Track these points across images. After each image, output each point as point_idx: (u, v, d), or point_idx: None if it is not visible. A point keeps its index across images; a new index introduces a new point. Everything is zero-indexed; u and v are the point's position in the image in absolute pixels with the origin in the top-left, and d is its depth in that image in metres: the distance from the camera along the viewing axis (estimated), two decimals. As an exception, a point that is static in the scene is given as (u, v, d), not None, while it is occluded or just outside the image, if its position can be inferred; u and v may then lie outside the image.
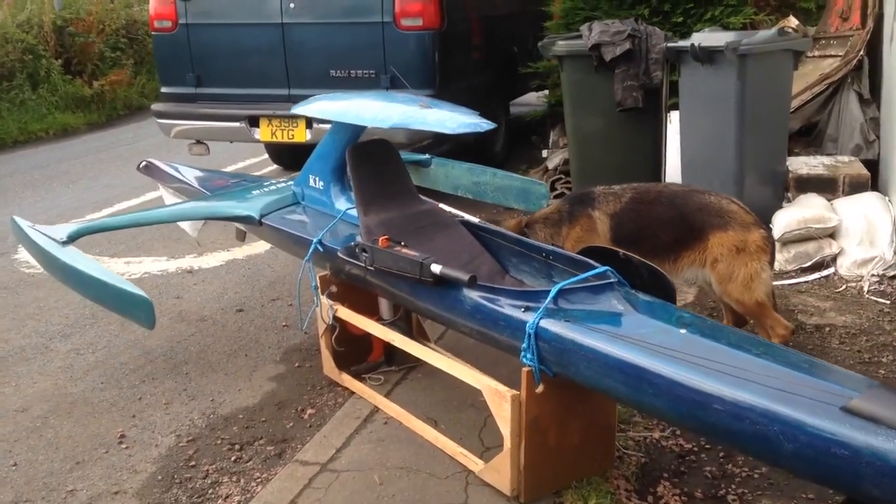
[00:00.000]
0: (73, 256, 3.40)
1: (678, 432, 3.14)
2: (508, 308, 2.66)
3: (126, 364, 3.92)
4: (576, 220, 3.47)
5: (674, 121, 5.31)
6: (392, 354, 3.67)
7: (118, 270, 5.15)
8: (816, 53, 5.70)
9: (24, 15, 11.85)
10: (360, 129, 3.46)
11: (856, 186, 4.78)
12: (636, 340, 2.36)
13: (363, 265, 3.06)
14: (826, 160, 5.02)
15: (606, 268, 2.65)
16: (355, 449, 3.04)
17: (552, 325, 2.50)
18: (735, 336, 2.40)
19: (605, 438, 2.87)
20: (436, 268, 2.78)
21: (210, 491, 2.94)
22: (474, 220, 3.47)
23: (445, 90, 6.02)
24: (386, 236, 3.00)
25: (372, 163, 3.32)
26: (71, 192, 7.28)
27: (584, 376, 2.44)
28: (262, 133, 6.00)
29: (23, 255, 5.62)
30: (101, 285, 3.23)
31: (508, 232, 3.31)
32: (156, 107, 6.49)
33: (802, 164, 4.92)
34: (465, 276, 2.71)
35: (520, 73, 7.58)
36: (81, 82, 12.21)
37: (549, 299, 2.56)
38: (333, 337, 3.50)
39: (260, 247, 5.56)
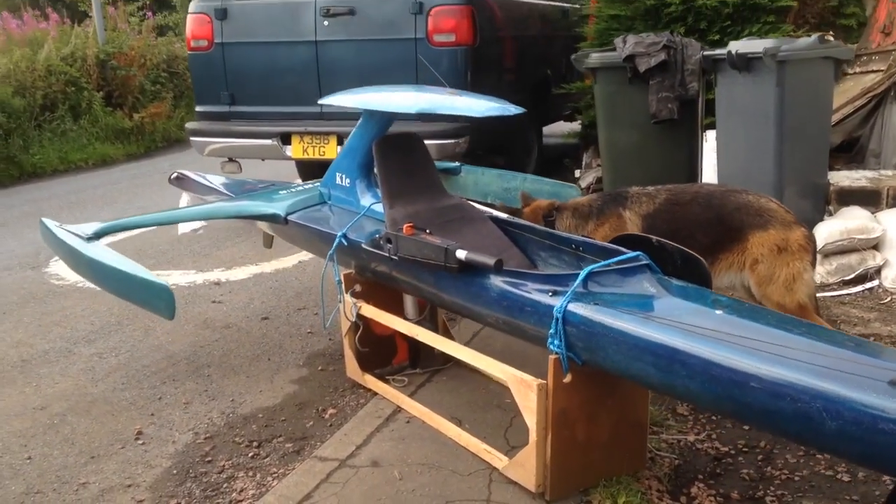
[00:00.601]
0: (97, 251, 3.39)
1: (714, 436, 3.00)
2: (535, 293, 2.57)
3: (148, 367, 3.88)
4: (605, 218, 3.38)
5: (710, 139, 5.22)
6: (417, 357, 3.59)
7: (146, 282, 5.12)
8: (858, 70, 5.59)
9: (69, 48, 12.15)
10: (387, 123, 3.42)
11: (901, 199, 4.63)
12: (668, 321, 2.25)
13: (387, 255, 2.98)
14: (869, 174, 4.88)
15: (638, 253, 2.55)
16: (376, 446, 2.94)
17: (580, 309, 2.41)
18: (776, 317, 2.28)
19: (636, 436, 2.74)
20: (461, 253, 2.71)
21: (225, 485, 2.86)
22: (503, 216, 3.39)
23: (477, 108, 5.99)
24: (411, 223, 2.93)
25: (399, 155, 3.27)
26: (106, 212, 7.35)
27: (614, 361, 2.33)
28: (294, 150, 6.02)
29: (53, 267, 5.66)
30: (123, 276, 3.20)
31: (538, 226, 3.23)
32: (190, 125, 6.55)
33: (844, 178, 4.78)
34: (490, 261, 2.63)
35: (553, 97, 7.56)
36: (122, 114, 12.46)
37: (577, 282, 2.47)
38: (357, 337, 3.43)
39: (288, 261, 5.54)
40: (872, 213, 4.53)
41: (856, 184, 4.70)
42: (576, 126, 7.83)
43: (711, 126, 4.92)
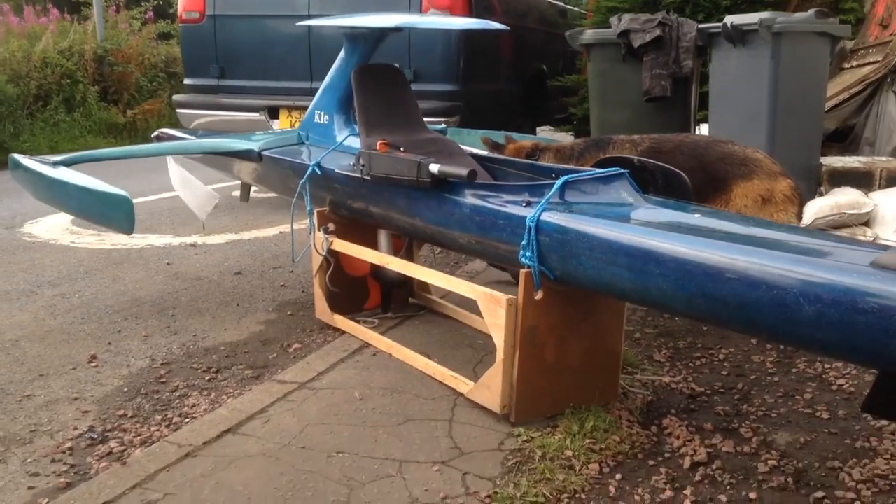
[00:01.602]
0: (60, 173, 3.31)
1: (690, 379, 2.91)
2: (509, 205, 2.51)
3: (111, 307, 3.79)
4: (586, 161, 3.32)
5: (703, 130, 5.18)
6: (389, 302, 3.51)
7: (121, 243, 5.06)
8: (855, 63, 5.57)
9: (67, 42, 12.17)
10: (367, 53, 3.37)
11: (894, 181, 4.57)
12: (644, 224, 2.18)
13: (360, 176, 2.91)
14: (862, 158, 4.82)
15: (618, 168, 2.48)
16: (339, 373, 2.86)
17: (554, 217, 2.33)
18: (758, 220, 2.20)
19: (608, 366, 2.65)
20: (434, 167, 2.65)
21: (177, 401, 2.77)
22: (483, 153, 3.32)
23: (469, 89, 5.97)
24: (384, 140, 2.86)
25: (378, 85, 3.22)
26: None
27: (587, 269, 2.25)
28: (282, 124, 5.98)
29: (28, 228, 5.57)
30: (83, 192, 3.12)
31: (518, 160, 3.17)
32: (177, 98, 6.52)
33: (836, 160, 4.73)
34: (464, 171, 2.56)
35: (547, 96, 7.54)
36: (116, 110, 12.47)
37: (553, 191, 2.40)
38: (328, 275, 3.34)
39: (268, 231, 5.47)
40: (865, 193, 4.47)
41: (848, 165, 4.64)
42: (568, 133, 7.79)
43: (704, 105, 4.87)
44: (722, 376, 2.94)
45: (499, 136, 4.26)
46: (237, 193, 4.83)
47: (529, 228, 2.35)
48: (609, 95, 5.13)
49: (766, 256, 1.88)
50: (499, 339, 2.48)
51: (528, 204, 2.43)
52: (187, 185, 3.91)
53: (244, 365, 3.09)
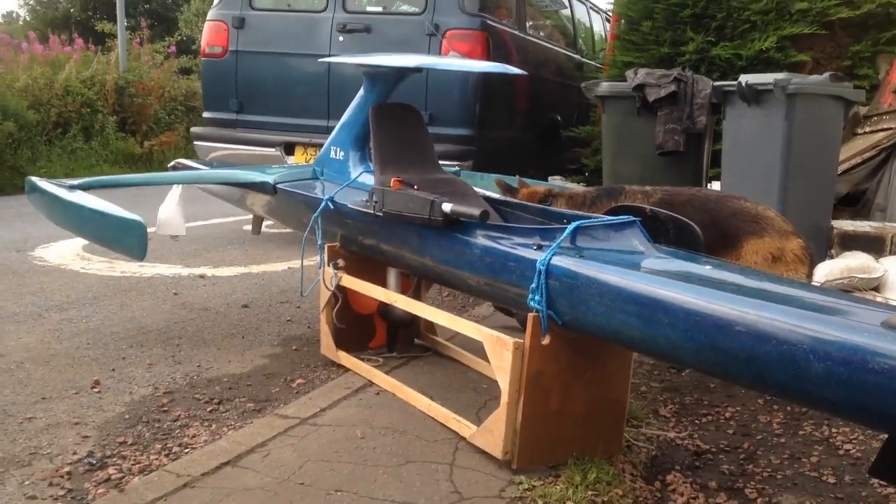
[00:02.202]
0: (76, 196, 3.34)
1: (696, 435, 2.87)
2: (520, 248, 2.50)
3: (117, 333, 3.79)
4: (597, 209, 3.32)
5: (714, 187, 5.20)
6: (395, 342, 3.50)
7: (130, 271, 5.08)
8: (868, 129, 5.60)
9: (89, 72, 12.35)
10: (386, 92, 3.40)
11: (905, 246, 4.56)
12: (654, 273, 2.17)
13: (373, 212, 2.92)
14: (874, 223, 4.82)
15: (630, 217, 2.48)
16: (341, 410, 2.84)
17: (565, 262, 2.33)
18: (769, 275, 2.19)
19: (613, 417, 2.62)
20: (447, 206, 2.65)
21: (177, 431, 2.74)
22: (496, 196, 3.34)
23: (483, 135, 6.03)
24: (399, 178, 2.88)
25: (395, 124, 3.25)
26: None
27: (596, 315, 2.23)
28: (297, 160, 6.02)
29: (39, 252, 5.60)
30: (97, 216, 3.14)
31: (531, 204, 3.17)
32: (195, 130, 6.59)
33: (848, 224, 4.72)
34: (476, 211, 2.57)
35: (560, 146, 7.59)
36: (134, 141, 12.60)
37: (564, 235, 2.39)
38: (335, 311, 3.33)
39: (277, 265, 5.48)
40: (875, 258, 4.46)
41: (859, 229, 4.64)
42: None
43: (716, 162, 4.89)
44: (728, 435, 2.90)
45: (512, 180, 4.29)
46: (248, 227, 4.84)
47: (539, 272, 2.34)
48: (622, 148, 5.16)
49: (777, 311, 1.86)
50: (503, 382, 2.46)
51: (539, 247, 2.42)
52: (173, 206, 3.85)
53: (246, 398, 3.07)
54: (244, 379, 3.28)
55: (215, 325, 4.01)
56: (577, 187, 3.67)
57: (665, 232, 2.58)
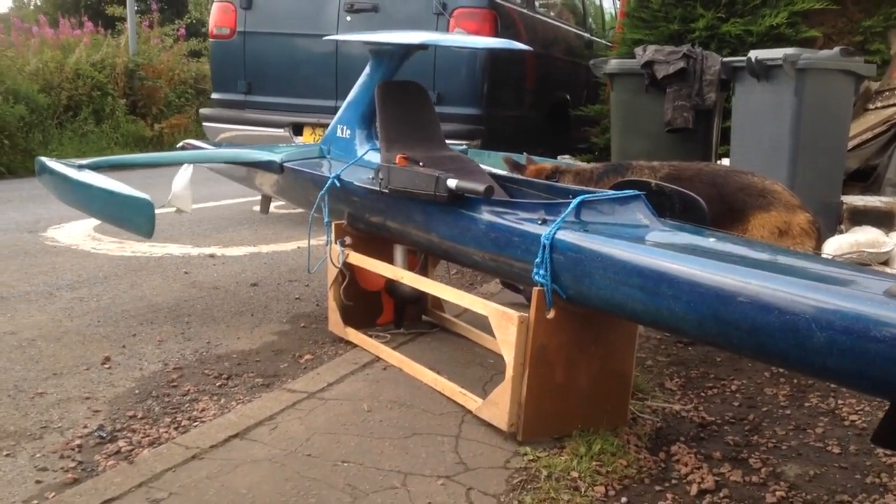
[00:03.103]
0: (85, 176, 3.37)
1: (701, 407, 2.88)
2: (525, 223, 2.51)
3: (128, 311, 3.83)
4: (604, 185, 3.33)
5: (724, 164, 5.18)
6: (402, 318, 3.53)
7: (140, 251, 5.12)
8: (879, 105, 5.56)
9: (99, 55, 12.37)
10: (392, 70, 3.41)
11: (916, 221, 4.54)
12: (658, 245, 2.18)
13: (378, 189, 2.94)
14: (884, 198, 4.80)
15: (634, 191, 2.48)
16: (348, 385, 2.87)
17: (569, 236, 2.34)
18: (774, 246, 2.20)
19: (618, 390, 2.63)
20: (451, 182, 2.66)
21: (187, 405, 2.78)
22: (503, 173, 3.35)
23: (492, 114, 6.02)
24: (404, 154, 2.89)
25: (402, 102, 3.26)
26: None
27: (600, 289, 2.24)
28: (305, 141, 6.03)
29: (51, 232, 5.65)
30: (106, 194, 3.18)
31: (537, 181, 3.19)
32: (204, 111, 6.60)
33: (857, 199, 4.71)
34: (481, 187, 2.58)
35: (570, 123, 7.57)
36: (144, 124, 12.64)
37: (568, 210, 2.40)
38: (342, 288, 3.36)
39: (286, 245, 5.51)
40: (886, 233, 4.44)
41: (869, 204, 4.62)
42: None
43: (726, 139, 4.87)
44: (733, 407, 2.91)
45: (520, 157, 4.30)
46: (257, 208, 4.87)
47: (544, 246, 2.35)
48: (631, 125, 5.15)
49: (779, 281, 1.87)
50: (509, 356, 2.48)
51: (544, 222, 2.44)
52: (185, 181, 3.86)
53: (255, 373, 3.10)
54: (253, 355, 3.32)
55: (225, 304, 4.04)
56: (585, 164, 3.67)
57: (671, 206, 2.58)
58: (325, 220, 3.34)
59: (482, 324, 3.13)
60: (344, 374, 2.96)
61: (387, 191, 2.90)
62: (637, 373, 2.89)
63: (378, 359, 3.14)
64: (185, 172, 3.72)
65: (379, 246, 3.33)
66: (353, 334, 3.36)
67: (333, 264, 3.33)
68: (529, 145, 6.45)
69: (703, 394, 3.03)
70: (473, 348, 3.30)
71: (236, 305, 4.02)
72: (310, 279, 4.46)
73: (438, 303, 3.62)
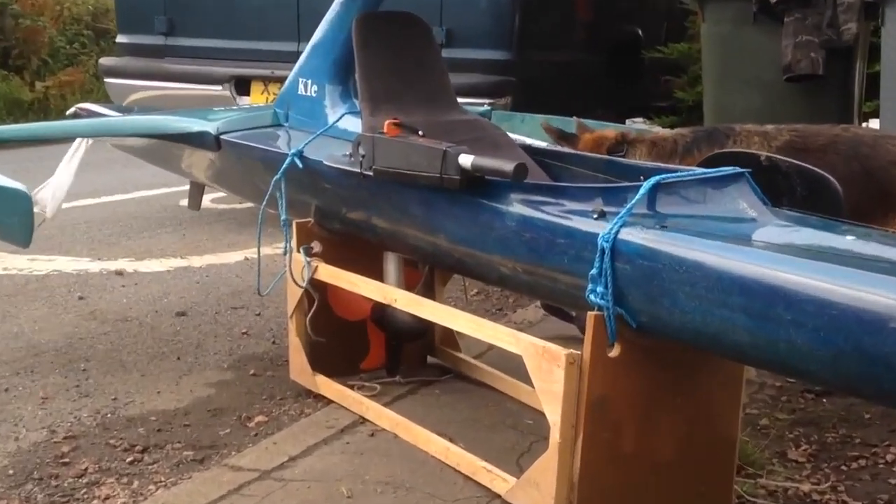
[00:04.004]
0: None
1: (841, 487, 2.88)
2: (574, 217, 2.53)
3: (-2, 355, 3.86)
4: (693, 160, 3.32)
5: (872, 126, 5.19)
6: (397, 361, 3.54)
7: (15, 267, 5.18)
8: None
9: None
10: (376, 0, 3.44)
11: None
12: (770, 248, 2.19)
13: (359, 171, 2.96)
14: None
15: (736, 168, 2.49)
16: (319, 459, 2.91)
17: (640, 236, 2.34)
18: None
19: (717, 463, 2.65)
20: (466, 158, 2.67)
21: (83, 492, 2.83)
22: (542, 145, 3.36)
23: (527, 59, 6.04)
24: (395, 119, 2.91)
25: (391, 43, 3.29)
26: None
27: (686, 313, 2.25)
28: (253, 98, 6.08)
29: None
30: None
31: (592, 155, 3.20)
32: (106, 62, 6.68)
33: None
34: (509, 166, 2.59)
35: (643, 71, 7.59)
36: (21, 82, 12.71)
37: (638, 197, 2.41)
38: (309, 317, 3.38)
39: (228, 256, 5.57)
40: None
41: None
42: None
43: (874, 91, 4.87)
44: (890, 486, 2.91)
45: (569, 122, 4.30)
46: (185, 202, 4.91)
47: (603, 251, 2.36)
48: (732, 72, 5.15)
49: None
50: (554, 413, 2.48)
51: (603, 215, 2.45)
52: (70, 170, 3.85)
53: (183, 443, 3.13)
54: (179, 417, 3.35)
55: (139, 342, 4.10)
56: (665, 131, 3.68)
57: (789, 189, 2.59)
58: (283, 217, 3.35)
59: (515, 367, 3.13)
60: (312, 445, 2.99)
61: (371, 173, 2.91)
62: (745, 437, 2.89)
63: (363, 420, 3.16)
64: (77, 154, 3.75)
65: (362, 255, 3.36)
66: (325, 385, 3.38)
67: (296, 283, 3.34)
68: (582, 104, 6.47)
69: (843, 467, 3.02)
70: (503, 403, 3.32)
71: (154, 344, 4.07)
72: (262, 305, 4.49)
73: (451, 338, 3.64)
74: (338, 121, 3.42)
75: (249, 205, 5.82)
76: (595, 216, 2.46)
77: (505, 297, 4.61)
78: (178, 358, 3.88)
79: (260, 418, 3.32)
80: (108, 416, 3.36)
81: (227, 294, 4.75)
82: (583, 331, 2.57)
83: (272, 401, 3.49)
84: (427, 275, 3.50)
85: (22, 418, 3.30)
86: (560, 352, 2.46)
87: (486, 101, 5.72)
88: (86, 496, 2.79)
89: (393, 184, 2.92)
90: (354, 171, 3.00)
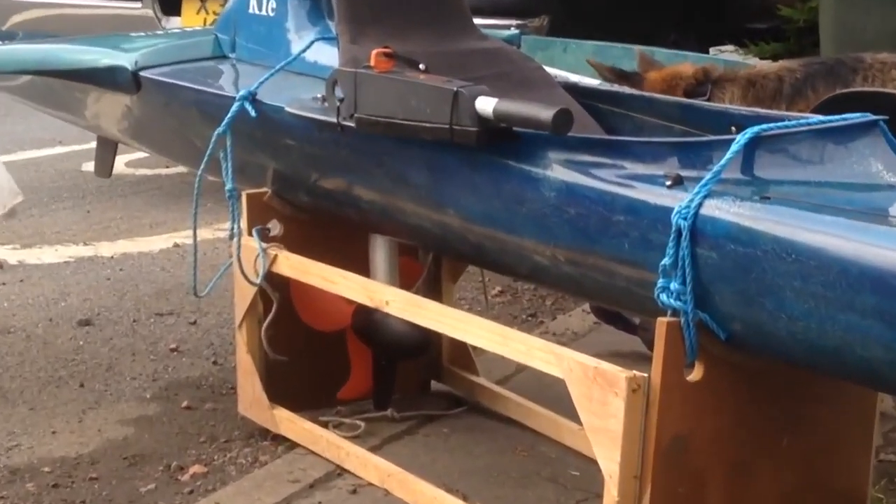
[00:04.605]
0: None
1: None
2: (638, 184, 2.53)
3: None
4: (806, 103, 3.35)
5: None
6: (390, 387, 3.54)
7: None
8: None
9: None
10: None
11: None
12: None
13: (335, 121, 2.97)
14: None
15: (866, 115, 2.50)
16: (279, 527, 2.90)
17: (731, 211, 2.34)
18: None
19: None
20: (486, 102, 2.67)
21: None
22: (592, 82, 3.37)
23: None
24: (386, 48, 2.92)
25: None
26: None
27: (797, 320, 2.26)
28: (186, 20, 6.09)
29: None
30: None
31: (663, 97, 3.21)
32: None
33: None
34: (546, 113, 2.59)
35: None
36: None
37: (729, 157, 2.41)
38: (265, 327, 3.39)
39: (152, 242, 5.57)
40: None
41: None
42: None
43: None
44: None
45: (628, 52, 4.31)
46: (90, 166, 4.91)
47: (679, 232, 2.36)
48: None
49: None
50: (610, 460, 2.49)
51: (678, 182, 2.45)
52: None
53: (89, 503, 3.14)
54: (84, 467, 3.37)
55: (26, 363, 4.13)
56: (766, 65, 3.68)
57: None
58: (228, 187, 3.36)
59: (554, 397, 3.16)
60: (272, 504, 3.00)
61: (353, 124, 2.92)
62: (878, 493, 2.90)
63: (340, 472, 3.18)
64: None
65: (339, 239, 3.40)
66: (288, 422, 3.39)
67: (247, 279, 3.35)
68: (649, 27, 6.49)
69: None
70: (536, 447, 3.34)
71: (49, 367, 4.10)
72: (198, 311, 4.52)
73: (465, 355, 3.66)
74: (305, 50, 3.41)
75: (181, 169, 5.84)
76: (668, 183, 2.46)
77: (540, 299, 4.60)
78: (82, 385, 3.88)
79: (196, 469, 3.31)
80: (-15, 465, 3.35)
81: (150, 295, 4.75)
82: (650, 346, 2.58)
83: (213, 444, 3.49)
84: (431, 267, 3.51)
85: None
86: (619, 374, 2.46)
87: (515, 21, 5.75)
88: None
89: (383, 139, 2.93)
90: (329, 121, 3.00)
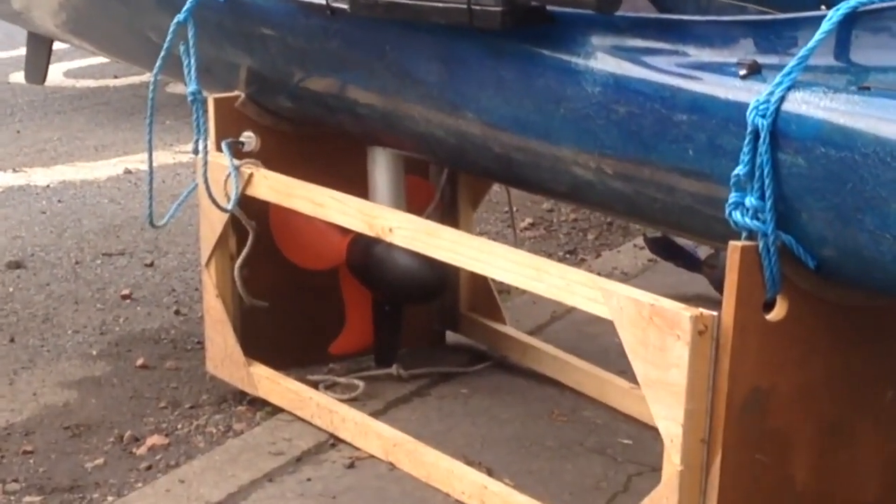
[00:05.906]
0: None
1: None
2: (704, 74, 2.52)
3: None
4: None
5: None
6: (395, 339, 3.54)
7: None
8: None
9: None
10: None
11: None
12: None
13: (324, 2, 2.96)
14: None
15: None
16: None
17: (822, 106, 2.33)
18: None
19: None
20: (512, -27, 2.66)
21: None
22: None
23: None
24: None
25: None
26: None
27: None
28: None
29: None
30: None
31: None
32: None
33: None
34: (587, -12, 2.58)
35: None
36: None
37: (819, 37, 2.39)
38: (238, 265, 3.38)
39: (98, 167, 5.58)
40: None
41: None
42: None
43: None
44: None
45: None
46: (17, 75, 4.92)
47: (756, 133, 2.35)
48: None
49: None
50: (671, 421, 2.49)
51: (753, 71, 2.44)
52: None
53: (22, 482, 3.16)
54: (16, 438, 3.39)
55: (-55, 315, 4.11)
56: None
57: None
58: (191, 89, 3.35)
59: (599, 349, 3.15)
60: (248, 484, 3.02)
61: (346, 6, 2.90)
62: None
63: (334, 442, 3.19)
64: None
65: (330, 153, 3.38)
66: (268, 383, 3.39)
67: (216, 204, 3.34)
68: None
69: None
70: (577, 410, 3.34)
71: (-28, 319, 4.09)
72: (156, 249, 4.53)
73: (489, 298, 3.65)
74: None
75: (133, 80, 5.87)
76: (742, 72, 2.45)
77: (581, 233, 4.61)
78: (12, 339, 3.90)
79: (155, 440, 3.32)
80: None
81: (96, 232, 4.76)
82: (719, 285, 2.57)
83: (176, 411, 3.50)
84: (446, 188, 3.49)
85: None
86: (682, 313, 2.46)
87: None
88: None
89: (384, 25, 2.91)
90: (316, 2, 2.99)
